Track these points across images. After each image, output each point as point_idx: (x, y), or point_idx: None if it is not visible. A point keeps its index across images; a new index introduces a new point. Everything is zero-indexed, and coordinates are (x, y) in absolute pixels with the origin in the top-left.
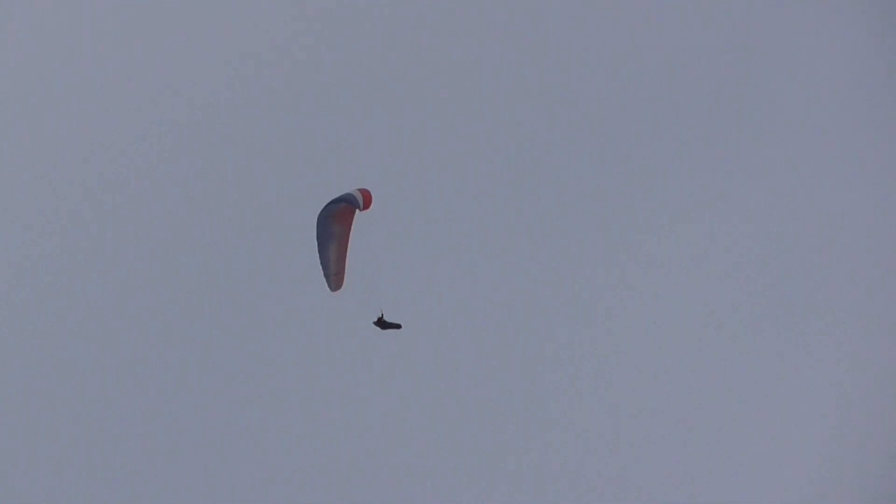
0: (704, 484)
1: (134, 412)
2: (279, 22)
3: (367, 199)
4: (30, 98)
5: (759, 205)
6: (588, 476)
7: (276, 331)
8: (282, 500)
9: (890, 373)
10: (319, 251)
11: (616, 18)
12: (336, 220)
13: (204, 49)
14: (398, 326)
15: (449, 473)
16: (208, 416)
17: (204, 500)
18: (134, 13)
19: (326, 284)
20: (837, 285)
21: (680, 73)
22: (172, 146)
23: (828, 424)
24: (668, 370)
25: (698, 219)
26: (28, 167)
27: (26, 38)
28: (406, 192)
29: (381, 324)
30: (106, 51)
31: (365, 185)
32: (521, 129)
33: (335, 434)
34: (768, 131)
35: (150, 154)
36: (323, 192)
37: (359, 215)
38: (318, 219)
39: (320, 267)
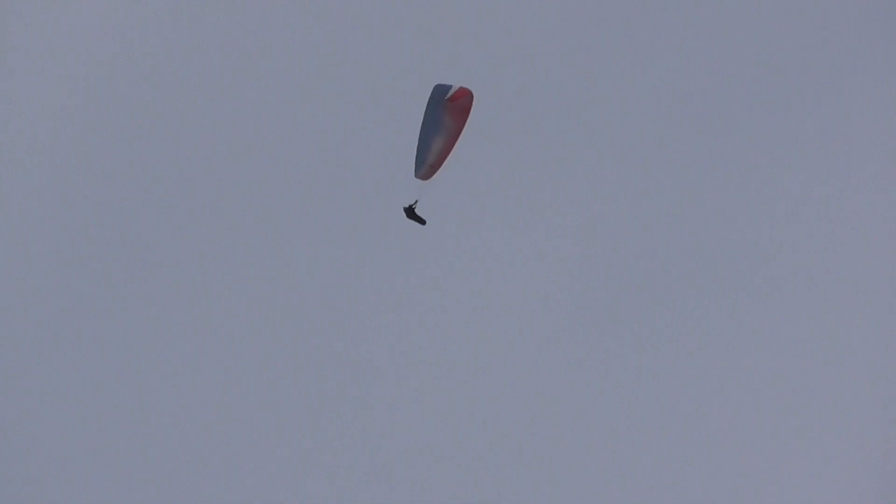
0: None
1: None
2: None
3: (458, 95)
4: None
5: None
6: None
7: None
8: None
9: None
10: (423, 135)
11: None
12: (455, 111)
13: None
14: (423, 222)
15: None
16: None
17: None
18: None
19: (414, 167)
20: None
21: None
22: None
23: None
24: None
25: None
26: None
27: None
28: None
29: (410, 212)
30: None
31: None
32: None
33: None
34: None
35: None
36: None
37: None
38: (433, 100)
39: (417, 146)
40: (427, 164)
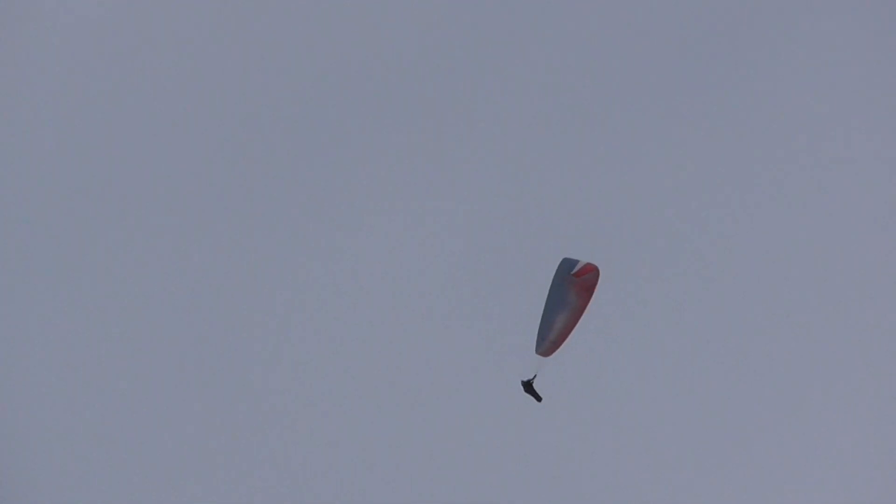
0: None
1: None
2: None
3: (585, 271)
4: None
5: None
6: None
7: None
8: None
9: None
10: (548, 312)
11: None
12: (576, 290)
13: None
14: (539, 398)
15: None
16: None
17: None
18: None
19: (536, 344)
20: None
21: None
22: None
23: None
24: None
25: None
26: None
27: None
28: None
29: (528, 387)
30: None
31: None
32: None
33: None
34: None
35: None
36: None
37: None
38: (558, 277)
39: (540, 322)
40: (549, 340)
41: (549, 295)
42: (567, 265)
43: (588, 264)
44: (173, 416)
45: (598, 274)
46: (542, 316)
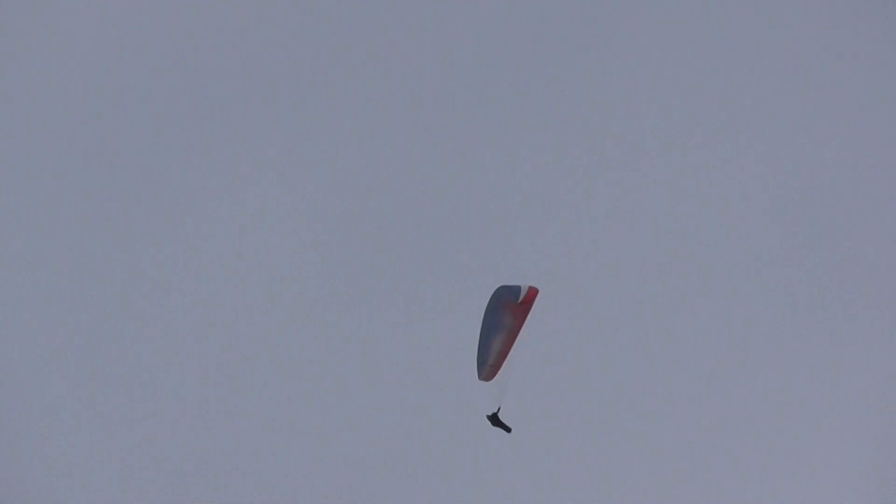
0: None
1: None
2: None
3: (530, 296)
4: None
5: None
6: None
7: None
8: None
9: None
10: (483, 336)
11: None
12: (511, 311)
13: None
14: (508, 430)
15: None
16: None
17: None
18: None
19: (476, 370)
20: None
21: None
22: None
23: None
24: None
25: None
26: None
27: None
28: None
29: (494, 419)
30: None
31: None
32: None
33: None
34: None
35: None
36: None
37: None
38: (491, 304)
39: (476, 349)
40: (489, 364)
41: (484, 321)
42: (507, 293)
43: (531, 288)
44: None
45: (537, 294)
46: (480, 342)
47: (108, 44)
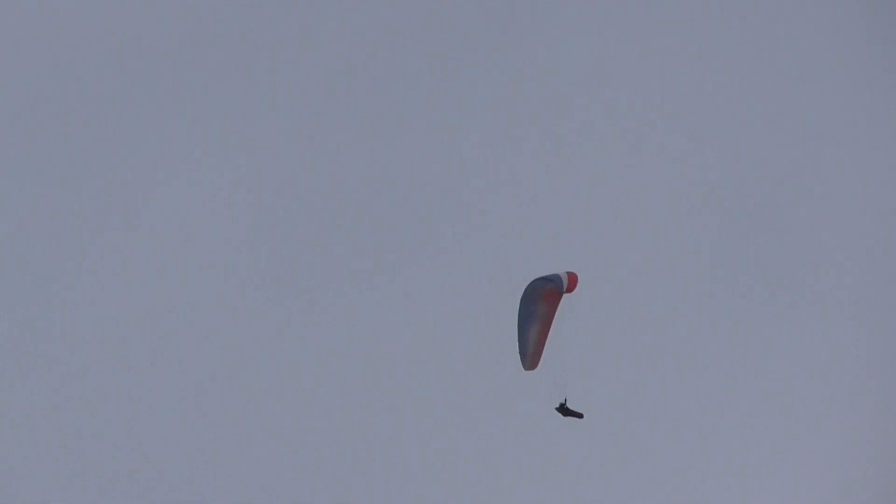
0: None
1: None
2: None
3: (572, 283)
4: None
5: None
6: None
7: None
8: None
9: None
10: (519, 329)
11: None
12: (542, 300)
13: None
14: (580, 415)
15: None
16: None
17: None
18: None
19: (521, 362)
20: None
21: None
22: None
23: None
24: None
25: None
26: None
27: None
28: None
29: (564, 410)
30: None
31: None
32: None
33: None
34: None
35: None
36: None
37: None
38: (524, 295)
39: (517, 343)
40: (528, 353)
41: (519, 315)
42: (543, 283)
43: (570, 274)
44: None
45: (561, 282)
46: (518, 334)
47: (42, 32)
